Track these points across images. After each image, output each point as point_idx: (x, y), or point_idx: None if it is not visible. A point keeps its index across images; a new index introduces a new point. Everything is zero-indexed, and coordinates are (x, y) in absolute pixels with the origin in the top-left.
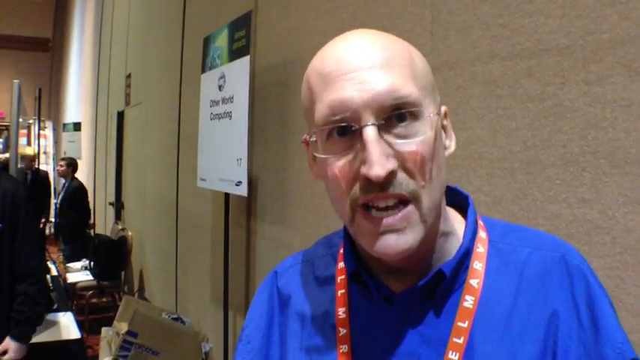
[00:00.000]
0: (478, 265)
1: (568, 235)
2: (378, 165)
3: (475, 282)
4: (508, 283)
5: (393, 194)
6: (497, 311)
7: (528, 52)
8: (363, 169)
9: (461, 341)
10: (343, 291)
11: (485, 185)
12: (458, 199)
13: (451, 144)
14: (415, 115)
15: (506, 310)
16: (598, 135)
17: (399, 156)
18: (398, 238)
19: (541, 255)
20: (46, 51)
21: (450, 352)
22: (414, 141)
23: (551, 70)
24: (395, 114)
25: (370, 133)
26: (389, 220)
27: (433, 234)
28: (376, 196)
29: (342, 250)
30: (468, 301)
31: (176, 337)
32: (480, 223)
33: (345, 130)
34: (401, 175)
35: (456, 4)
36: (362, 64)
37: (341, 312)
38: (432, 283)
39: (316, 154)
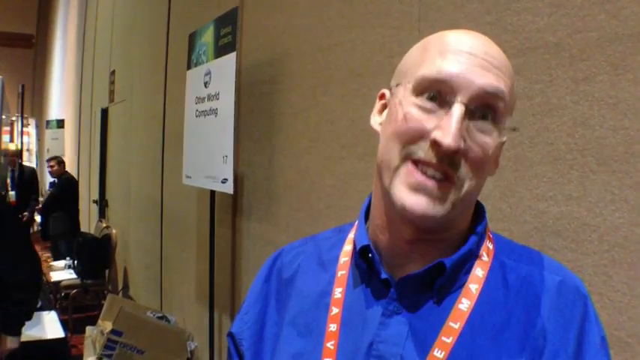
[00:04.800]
0: (480, 272)
1: (555, 233)
2: (454, 138)
3: (474, 287)
4: (505, 296)
5: (447, 170)
6: (490, 321)
7: (516, 50)
8: (437, 135)
9: (449, 341)
10: (344, 272)
11: None
12: (476, 207)
13: (495, 170)
14: (495, 121)
15: (498, 322)
16: (585, 133)
17: (467, 143)
18: (428, 202)
19: (541, 275)
20: (30, 47)
21: (436, 350)
22: (486, 138)
23: (538, 68)
24: (483, 110)
25: (459, 109)
26: (429, 182)
27: (451, 227)
28: (432, 164)
29: (350, 235)
30: (464, 304)
31: (161, 335)
32: (490, 235)
33: (435, 96)
34: (460, 160)
35: (443, 1)
36: (485, 56)
37: (337, 292)
38: (430, 274)
39: (401, 99)
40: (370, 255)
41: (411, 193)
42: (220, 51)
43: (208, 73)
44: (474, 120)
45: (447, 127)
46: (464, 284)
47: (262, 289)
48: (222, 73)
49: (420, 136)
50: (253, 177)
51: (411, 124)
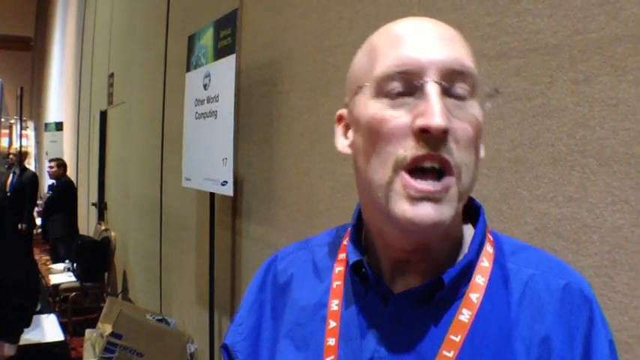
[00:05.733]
0: (480, 279)
1: (556, 234)
2: (441, 116)
3: (475, 297)
4: (507, 303)
5: (442, 157)
6: (492, 330)
7: (516, 52)
8: (421, 121)
9: (450, 355)
10: (339, 283)
11: None
12: (470, 208)
13: (482, 151)
14: (472, 93)
15: (501, 330)
16: (586, 134)
17: (453, 124)
18: (435, 208)
19: (545, 279)
20: (28, 50)
21: None
22: (469, 114)
23: (538, 70)
24: (457, 88)
25: (434, 87)
26: (430, 187)
27: (449, 231)
28: (428, 156)
29: (345, 242)
30: (465, 315)
31: (161, 338)
32: (489, 237)
33: (401, 90)
34: (451, 143)
35: (443, 3)
36: (435, 34)
37: (334, 304)
38: (429, 290)
39: (363, 108)
40: (364, 270)
41: (413, 205)
42: (220, 53)
43: (208, 75)
44: (452, 98)
45: (428, 108)
46: (464, 294)
47: (257, 298)
48: (221, 75)
49: (401, 136)
50: (253, 179)
51: (385, 128)
